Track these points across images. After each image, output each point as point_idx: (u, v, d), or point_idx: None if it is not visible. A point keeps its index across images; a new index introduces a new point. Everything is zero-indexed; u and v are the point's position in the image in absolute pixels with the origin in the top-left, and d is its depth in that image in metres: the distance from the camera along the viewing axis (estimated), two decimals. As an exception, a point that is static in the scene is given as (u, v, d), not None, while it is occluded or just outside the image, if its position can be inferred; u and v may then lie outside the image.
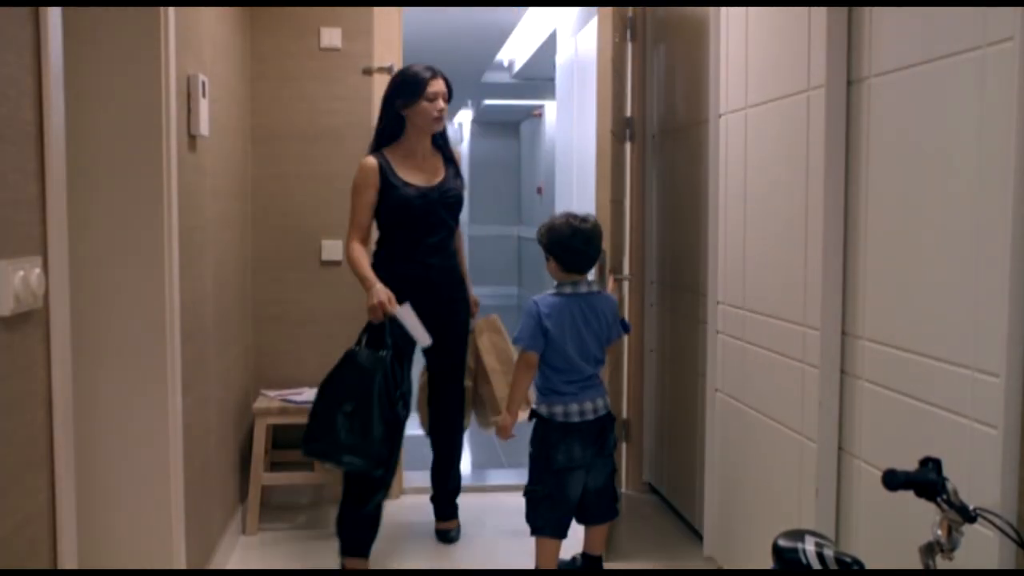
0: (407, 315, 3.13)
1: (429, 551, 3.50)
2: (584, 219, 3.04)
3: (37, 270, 1.60)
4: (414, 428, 5.55)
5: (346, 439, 2.97)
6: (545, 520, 3.02)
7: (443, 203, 3.33)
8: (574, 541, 3.16)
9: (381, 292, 3.08)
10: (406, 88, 3.25)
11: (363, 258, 3.19)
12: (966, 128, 1.90)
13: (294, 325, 3.96)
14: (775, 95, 2.73)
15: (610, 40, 3.86)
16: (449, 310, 3.42)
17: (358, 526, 3.21)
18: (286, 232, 3.91)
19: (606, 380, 3.22)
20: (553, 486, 3.00)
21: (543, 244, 3.05)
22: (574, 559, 3.24)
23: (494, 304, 13.01)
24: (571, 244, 2.99)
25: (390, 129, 3.32)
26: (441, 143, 3.41)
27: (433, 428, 3.58)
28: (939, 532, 1.55)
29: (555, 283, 3.06)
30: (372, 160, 3.25)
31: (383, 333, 3.08)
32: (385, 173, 3.25)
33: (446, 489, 3.63)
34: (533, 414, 3.07)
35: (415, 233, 3.31)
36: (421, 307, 3.17)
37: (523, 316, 3.01)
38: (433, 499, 3.65)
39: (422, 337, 3.17)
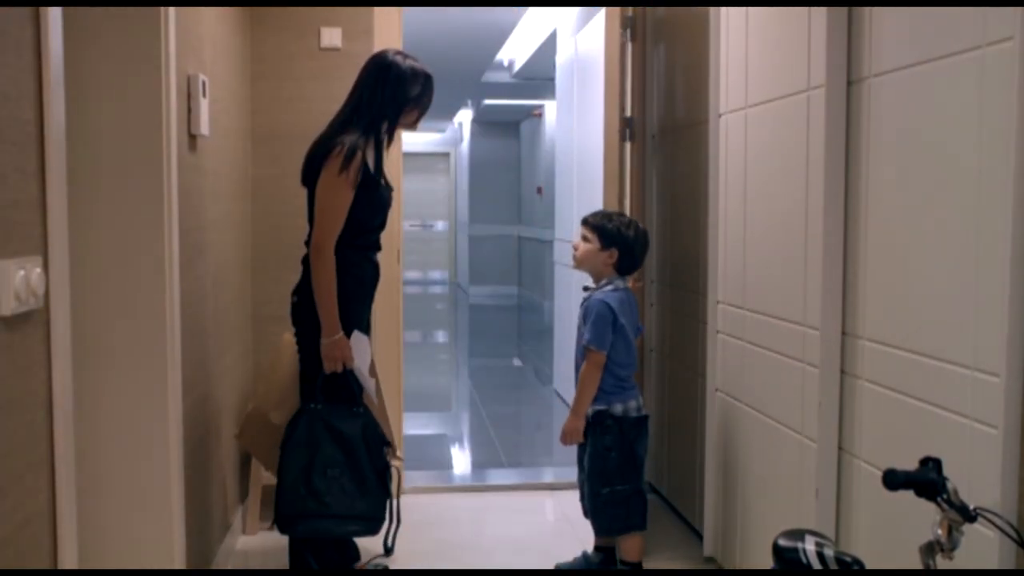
0: (362, 355, 2.90)
1: (429, 551, 3.50)
2: (639, 224, 3.21)
3: (37, 270, 1.60)
4: (414, 428, 5.57)
5: (345, 507, 2.78)
6: (640, 515, 3.10)
7: (390, 204, 3.05)
8: (574, 541, 3.16)
9: (345, 346, 2.81)
10: (424, 92, 2.97)
11: (335, 288, 2.78)
12: (966, 128, 1.90)
13: (294, 325, 3.96)
14: (775, 95, 2.73)
15: (617, 39, 3.86)
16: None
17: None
18: (286, 232, 3.90)
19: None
20: (637, 481, 3.09)
21: (615, 237, 3.09)
22: (585, 555, 3.25)
23: (494, 304, 13.03)
24: (637, 251, 3.15)
25: (379, 121, 2.91)
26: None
27: None
28: (939, 532, 1.55)
29: (604, 280, 3.13)
30: (358, 151, 2.81)
31: (345, 385, 2.86)
32: (368, 167, 2.85)
33: None
34: (600, 416, 3.07)
35: (376, 233, 3.00)
36: (371, 298, 3.03)
37: (595, 318, 3.03)
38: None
39: (368, 385, 2.98)
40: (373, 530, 2.89)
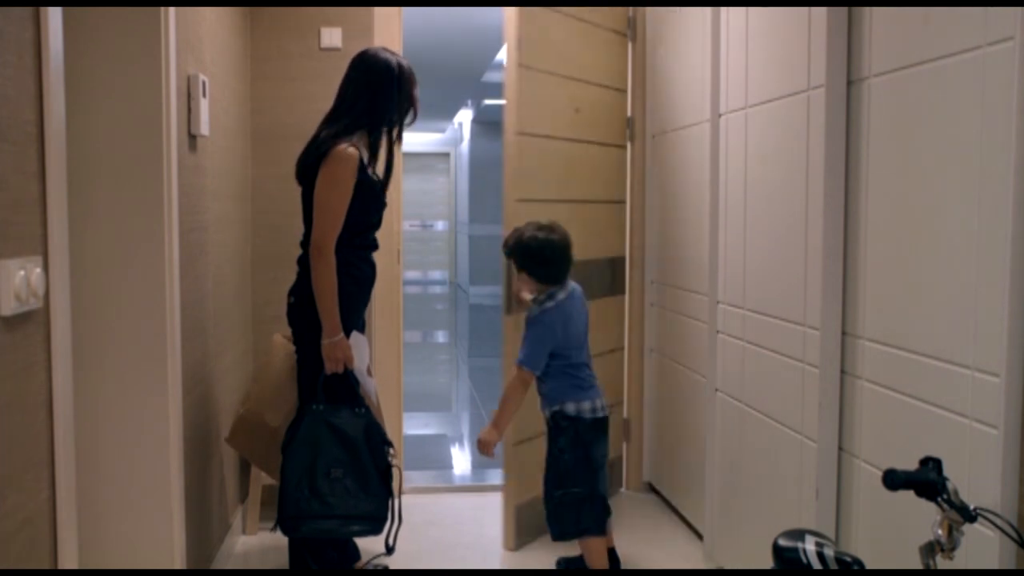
0: (361, 355, 2.90)
1: (429, 551, 3.50)
2: (551, 228, 3.03)
3: (38, 270, 1.60)
4: (414, 428, 5.56)
5: (348, 508, 2.79)
6: (591, 520, 3.02)
7: (385, 204, 3.04)
8: (574, 541, 3.16)
9: (347, 347, 2.81)
10: (408, 83, 2.95)
11: (336, 289, 2.77)
12: (966, 128, 1.90)
13: (294, 325, 3.96)
14: (775, 95, 2.73)
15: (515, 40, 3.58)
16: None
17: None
18: (286, 232, 3.90)
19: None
20: (592, 485, 3.01)
21: (513, 259, 3.04)
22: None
23: (493, 304, 13.02)
24: (543, 255, 2.99)
25: (382, 122, 2.92)
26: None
27: None
28: (939, 532, 1.55)
29: (543, 295, 3.03)
30: (353, 150, 2.80)
31: (346, 386, 2.85)
32: (363, 166, 2.85)
33: None
34: (554, 416, 3.03)
35: (373, 232, 2.99)
36: (365, 305, 3.03)
37: (532, 338, 2.96)
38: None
39: (369, 387, 2.97)
40: (376, 530, 2.89)
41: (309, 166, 2.86)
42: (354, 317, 2.92)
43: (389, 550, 2.95)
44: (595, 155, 3.92)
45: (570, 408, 3.01)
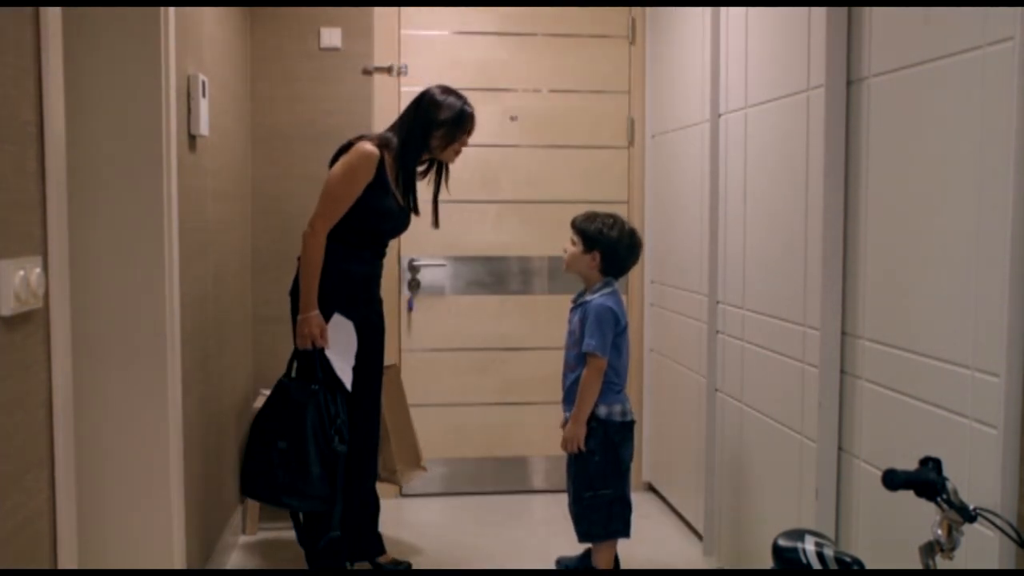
0: (337, 342, 2.96)
1: (429, 551, 3.50)
2: (636, 231, 3.12)
3: (37, 270, 1.60)
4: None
5: (284, 479, 2.85)
6: (621, 523, 3.03)
7: (403, 226, 3.16)
8: (574, 541, 3.16)
9: (315, 324, 2.91)
10: (457, 126, 3.03)
11: (319, 267, 2.92)
12: (966, 128, 1.90)
13: (294, 325, 3.96)
14: (775, 95, 2.73)
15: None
16: (379, 306, 3.25)
17: (320, 559, 3.07)
18: (286, 232, 3.90)
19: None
20: (622, 487, 3.03)
21: (596, 239, 3.01)
22: (589, 552, 3.24)
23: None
24: (625, 256, 3.06)
25: (413, 148, 3.04)
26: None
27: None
28: (939, 532, 1.55)
29: (596, 284, 3.04)
30: (376, 151, 2.97)
31: (313, 363, 2.92)
32: (382, 171, 3.00)
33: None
34: (591, 418, 3.01)
35: (377, 243, 3.12)
36: (362, 299, 3.07)
37: (598, 322, 2.95)
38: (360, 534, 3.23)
39: (344, 373, 2.98)
40: (307, 508, 2.93)
41: (336, 157, 3.02)
42: (337, 308, 2.97)
43: (336, 535, 2.96)
44: (593, 157, 3.92)
45: (601, 411, 2.99)
